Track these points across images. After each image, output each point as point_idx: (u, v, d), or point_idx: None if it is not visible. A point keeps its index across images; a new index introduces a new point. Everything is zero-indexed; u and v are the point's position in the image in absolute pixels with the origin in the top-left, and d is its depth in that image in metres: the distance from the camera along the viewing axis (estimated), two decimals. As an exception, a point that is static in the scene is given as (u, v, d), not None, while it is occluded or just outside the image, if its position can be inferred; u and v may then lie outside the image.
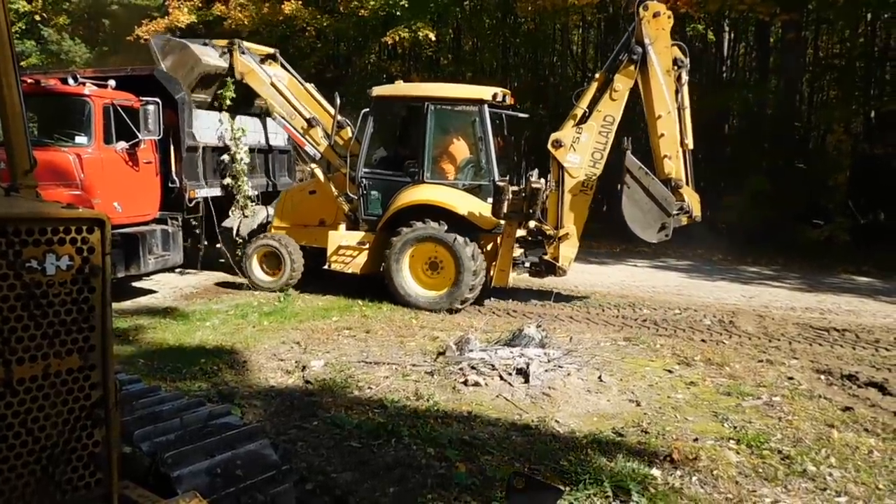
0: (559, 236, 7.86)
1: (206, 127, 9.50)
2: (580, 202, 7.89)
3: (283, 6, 17.54)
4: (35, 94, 7.56)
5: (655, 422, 4.67)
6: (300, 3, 17.70)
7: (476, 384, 5.25)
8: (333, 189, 8.76)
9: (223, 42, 9.46)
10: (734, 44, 18.42)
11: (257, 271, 9.00)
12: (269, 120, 11.28)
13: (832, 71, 17.07)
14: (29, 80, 7.70)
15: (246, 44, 9.52)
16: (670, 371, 5.85)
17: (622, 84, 7.71)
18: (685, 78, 7.80)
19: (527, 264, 8.28)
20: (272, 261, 8.98)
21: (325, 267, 8.77)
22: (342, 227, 8.75)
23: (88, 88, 7.87)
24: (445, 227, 7.87)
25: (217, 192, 9.71)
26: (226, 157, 9.75)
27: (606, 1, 15.48)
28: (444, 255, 7.97)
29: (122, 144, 8.07)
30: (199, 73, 9.16)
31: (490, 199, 7.81)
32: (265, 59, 9.81)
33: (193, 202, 9.17)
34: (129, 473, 2.20)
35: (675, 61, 7.67)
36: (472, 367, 5.52)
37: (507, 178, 8.00)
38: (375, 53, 21.37)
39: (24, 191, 2.85)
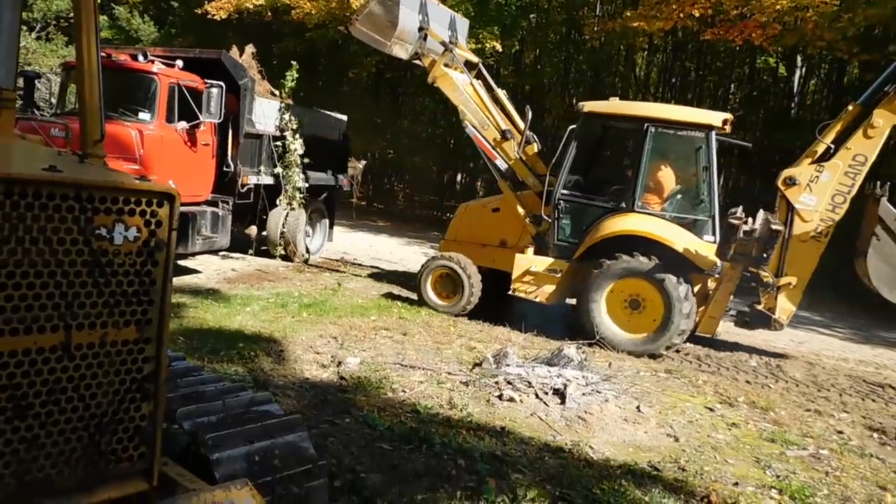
0: (780, 285, 7.07)
1: (266, 115, 9.64)
2: (810, 250, 7.02)
3: (351, 1, 17.66)
4: (105, 67, 7.73)
5: (693, 460, 4.50)
6: None
7: (511, 399, 5.16)
8: (521, 209, 8.11)
9: (440, 39, 8.51)
10: (805, 80, 17.91)
11: (431, 294, 8.32)
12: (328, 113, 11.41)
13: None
14: (101, 54, 7.91)
15: (457, 50, 8.70)
16: (712, 409, 5.66)
17: (884, 119, 6.71)
18: None
19: (733, 312, 7.56)
20: (446, 282, 8.27)
21: (510, 292, 7.96)
22: (530, 250, 7.91)
23: (156, 66, 8.06)
24: (655, 263, 7.05)
25: (269, 180, 9.83)
26: (279, 144, 9.83)
27: (677, 26, 15.18)
28: (650, 294, 7.12)
29: (183, 124, 8.24)
30: (371, 43, 8.50)
31: (706, 237, 7.16)
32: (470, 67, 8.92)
33: (245, 188, 9.31)
34: (166, 450, 2.19)
35: None
36: (508, 382, 5.42)
37: (743, 216, 6.85)
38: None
39: (93, 160, 2.90)
